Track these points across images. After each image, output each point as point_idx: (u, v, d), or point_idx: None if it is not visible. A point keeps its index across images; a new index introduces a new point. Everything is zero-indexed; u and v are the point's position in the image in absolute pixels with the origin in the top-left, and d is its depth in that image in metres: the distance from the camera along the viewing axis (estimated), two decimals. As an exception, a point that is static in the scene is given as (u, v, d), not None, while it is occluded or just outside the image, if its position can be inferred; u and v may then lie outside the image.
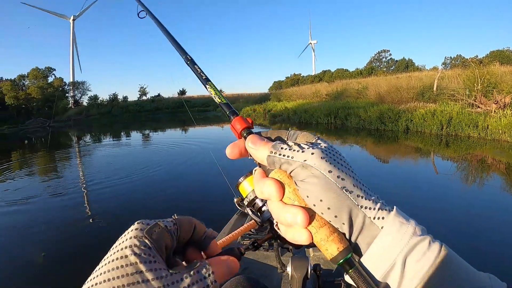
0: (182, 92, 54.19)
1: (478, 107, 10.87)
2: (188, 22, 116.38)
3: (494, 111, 9.79)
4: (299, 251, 1.51)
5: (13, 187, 6.83)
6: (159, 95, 50.66)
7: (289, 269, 1.28)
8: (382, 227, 0.34)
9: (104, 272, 0.28)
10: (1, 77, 41.92)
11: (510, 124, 8.41)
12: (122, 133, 20.18)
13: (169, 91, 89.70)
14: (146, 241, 0.30)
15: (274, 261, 1.74)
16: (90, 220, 4.54)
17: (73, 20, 48.83)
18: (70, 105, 43.11)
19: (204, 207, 4.75)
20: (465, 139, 9.11)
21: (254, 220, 0.70)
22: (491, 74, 11.34)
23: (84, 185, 6.78)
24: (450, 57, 38.45)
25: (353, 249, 0.35)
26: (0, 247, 3.85)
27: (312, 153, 0.35)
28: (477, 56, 30.86)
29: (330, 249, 0.35)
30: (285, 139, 0.41)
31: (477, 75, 11.25)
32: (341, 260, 0.35)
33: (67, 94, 44.46)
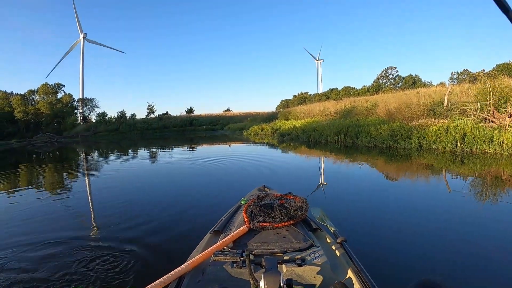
0: (190, 110, 54.58)
1: (491, 121, 10.71)
2: (200, 41, 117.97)
3: (509, 125, 9.62)
4: (271, 266, 1.50)
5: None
6: (166, 113, 51.40)
7: (262, 284, 1.33)
8: None
9: None
10: (12, 91, 42.82)
11: (527, 138, 8.24)
12: (129, 150, 20.34)
13: (177, 110, 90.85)
14: None
15: (247, 277, 1.74)
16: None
17: (84, 38, 49.95)
18: (79, 121, 43.73)
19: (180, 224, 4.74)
20: (480, 155, 8.91)
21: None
22: (502, 87, 11.20)
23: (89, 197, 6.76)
24: (457, 72, 38.47)
25: None
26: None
27: None
28: (483, 70, 30.84)
29: None
30: None
31: (489, 89, 11.12)
32: None
33: (75, 110, 45.28)
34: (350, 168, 9.57)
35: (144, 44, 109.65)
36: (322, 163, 10.78)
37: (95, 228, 4.87)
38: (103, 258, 3.58)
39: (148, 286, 1.66)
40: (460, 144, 9.83)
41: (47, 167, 13.31)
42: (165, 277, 1.77)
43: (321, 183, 7.46)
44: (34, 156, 18.70)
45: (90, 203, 6.72)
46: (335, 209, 5.30)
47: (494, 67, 30.03)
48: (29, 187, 8.69)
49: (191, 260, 1.94)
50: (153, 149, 20.27)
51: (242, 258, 1.75)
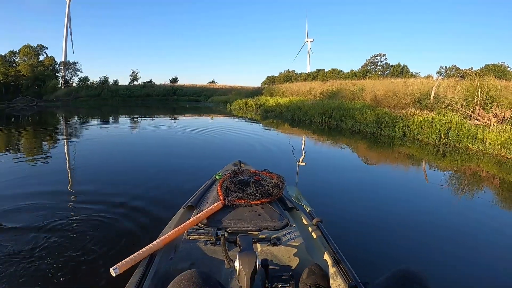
0: (174, 79, 53.47)
1: (476, 119, 10.72)
2: (183, 13, 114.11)
3: (493, 125, 9.63)
4: (246, 246, 1.41)
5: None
6: (150, 81, 50.08)
7: (237, 264, 1.29)
8: None
9: None
10: (-9, 52, 40.69)
11: (510, 140, 8.22)
12: (110, 117, 19.87)
13: (161, 78, 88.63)
14: None
15: (221, 256, 1.72)
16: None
17: None
18: (60, 85, 42.15)
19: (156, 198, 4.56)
20: (463, 151, 8.88)
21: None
22: (490, 87, 11.18)
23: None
24: (446, 67, 38.67)
25: None
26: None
27: None
28: (472, 68, 31.10)
29: None
30: None
31: (477, 87, 11.07)
32: None
33: (57, 74, 43.57)
34: (331, 150, 9.49)
35: (130, 8, 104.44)
36: (304, 142, 10.65)
37: (68, 196, 4.69)
38: (69, 233, 3.37)
39: (118, 264, 1.56)
40: (444, 138, 9.79)
41: (26, 132, 12.80)
42: (136, 254, 1.67)
43: (300, 163, 7.38)
44: (12, 119, 17.99)
45: (67, 169, 6.58)
46: (312, 189, 5.23)
47: (482, 67, 30.33)
48: (6, 152, 8.35)
49: (163, 237, 1.84)
50: (134, 117, 19.89)
51: (218, 237, 1.66)
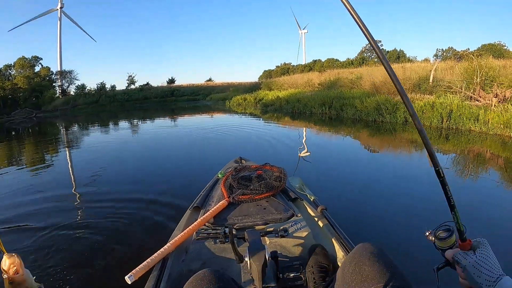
0: (171, 80, 53.30)
1: (477, 100, 10.69)
2: (181, 9, 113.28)
3: (495, 105, 9.60)
4: (255, 240, 1.47)
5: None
6: (147, 83, 49.75)
7: (247, 259, 1.33)
8: None
9: None
10: (-14, 67, 40.50)
11: (512, 119, 8.21)
12: (109, 123, 19.74)
13: (158, 80, 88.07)
14: None
15: (231, 253, 1.73)
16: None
17: (61, 8, 47.10)
18: (58, 94, 41.96)
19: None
20: (466, 133, 8.87)
21: None
22: (489, 67, 11.13)
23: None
24: (442, 49, 38.48)
25: None
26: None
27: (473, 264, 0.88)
28: (468, 49, 30.96)
29: None
30: None
31: (476, 68, 11.03)
32: None
33: (54, 84, 43.34)
34: (333, 140, 9.49)
35: (123, 12, 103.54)
36: (305, 134, 10.65)
37: (74, 208, 4.64)
38: (81, 241, 3.38)
39: (133, 271, 1.58)
40: (446, 121, 9.77)
41: (27, 143, 12.73)
42: (149, 259, 1.69)
43: (302, 154, 7.36)
44: (13, 133, 17.83)
45: (72, 177, 6.62)
46: (316, 179, 5.27)
47: (479, 47, 30.17)
48: (11, 165, 8.31)
49: (173, 240, 1.87)
50: (133, 121, 19.79)
51: (226, 235, 1.70)
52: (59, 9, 46.80)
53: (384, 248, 1.20)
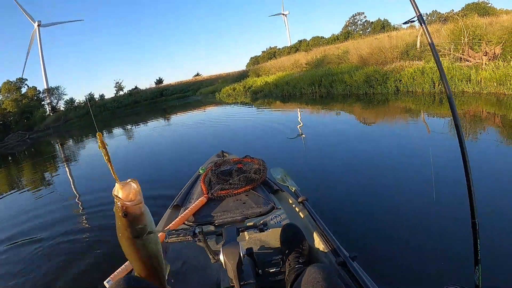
0: (159, 81, 52.81)
1: (467, 60, 10.49)
2: (161, 8, 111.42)
3: (485, 63, 9.40)
4: (230, 237, 1.42)
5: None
6: (136, 87, 49.22)
7: (221, 257, 1.29)
8: None
9: None
10: (-28, 96, 39.89)
11: (505, 76, 8.01)
12: (103, 132, 19.43)
13: (146, 82, 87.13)
14: None
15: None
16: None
17: (38, 25, 46.14)
18: (48, 112, 41.46)
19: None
20: (459, 95, 8.69)
21: None
22: (475, 26, 10.91)
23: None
24: (426, 14, 37.99)
25: None
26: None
27: None
28: (452, 10, 30.55)
29: None
30: None
31: (463, 28, 10.79)
32: None
33: (43, 102, 42.74)
34: (325, 120, 9.28)
35: (103, 16, 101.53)
36: (297, 116, 10.47)
37: (49, 217, 4.70)
38: (58, 250, 3.43)
39: (111, 276, 1.57)
40: (438, 85, 9.59)
41: (25, 166, 12.45)
42: (126, 263, 1.64)
43: (296, 136, 7.22)
44: (9, 158, 17.52)
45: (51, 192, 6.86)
46: (305, 165, 5.03)
47: (463, 7, 29.72)
48: (11, 190, 8.06)
49: None
50: (126, 127, 19.53)
51: (195, 234, 1.59)
52: (36, 27, 45.87)
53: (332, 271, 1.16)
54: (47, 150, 17.54)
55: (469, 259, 1.64)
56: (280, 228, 1.82)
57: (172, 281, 1.59)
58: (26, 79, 41.62)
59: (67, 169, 9.18)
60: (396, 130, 6.92)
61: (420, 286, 2.14)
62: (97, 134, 1.00)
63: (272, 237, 1.86)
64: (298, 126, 8.59)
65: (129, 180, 0.99)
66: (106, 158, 1.02)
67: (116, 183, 0.99)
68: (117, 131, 18.34)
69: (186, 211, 2.11)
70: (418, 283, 2.16)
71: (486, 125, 5.94)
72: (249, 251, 1.43)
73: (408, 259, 2.41)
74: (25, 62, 46.29)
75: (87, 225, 4.04)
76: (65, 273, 2.90)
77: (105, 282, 1.53)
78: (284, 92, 17.12)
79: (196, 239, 1.62)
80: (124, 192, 0.96)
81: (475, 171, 3.54)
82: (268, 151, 6.25)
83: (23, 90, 41.41)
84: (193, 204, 2.18)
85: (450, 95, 0.74)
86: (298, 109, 12.02)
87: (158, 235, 1.80)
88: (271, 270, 1.52)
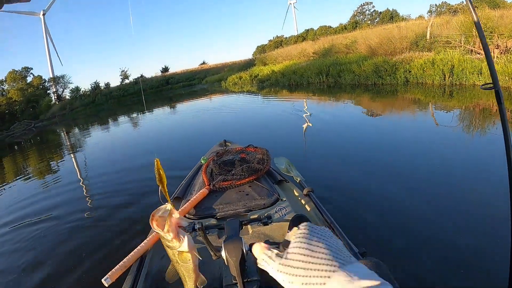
0: (165, 69, 52.56)
1: (478, 53, 10.38)
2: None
3: (497, 56, 9.30)
4: (232, 232, 1.33)
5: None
6: (141, 75, 49.04)
7: (223, 254, 1.23)
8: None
9: None
10: (-22, 86, 39.86)
11: (518, 69, 7.92)
12: (108, 121, 19.38)
13: (152, 71, 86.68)
14: None
15: (216, 245, 1.52)
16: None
17: (43, 14, 45.84)
18: (54, 101, 41.43)
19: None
20: (470, 88, 8.62)
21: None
22: (487, 18, 10.76)
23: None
24: (436, 5, 37.45)
25: None
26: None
27: (278, 270, 0.52)
28: (462, 2, 30.10)
29: None
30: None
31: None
32: None
33: (48, 91, 42.66)
34: (332, 109, 9.20)
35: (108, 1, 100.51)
36: (304, 105, 10.38)
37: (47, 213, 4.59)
38: (56, 247, 3.38)
39: (109, 273, 1.55)
40: (449, 77, 9.50)
41: (31, 155, 12.47)
42: (125, 260, 1.64)
43: (304, 127, 7.15)
44: (15, 147, 17.48)
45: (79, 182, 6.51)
46: (306, 157, 4.99)
47: (472, -2, 29.35)
48: (16, 178, 8.10)
49: (150, 236, 1.80)
50: (131, 116, 19.48)
51: (195, 230, 1.53)
52: (41, 16, 45.57)
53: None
54: (52, 139, 17.61)
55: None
56: (284, 222, 1.79)
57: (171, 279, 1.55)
58: (32, 68, 41.48)
59: (72, 158, 9.22)
60: (406, 121, 6.89)
61: (429, 285, 2.10)
62: (155, 160, 0.95)
63: (276, 231, 1.79)
64: (304, 116, 8.55)
65: (168, 207, 0.91)
66: (160, 182, 0.97)
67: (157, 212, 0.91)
68: (122, 119, 18.38)
69: (187, 204, 2.06)
70: (428, 280, 2.12)
71: (496, 119, 5.83)
72: (252, 246, 1.38)
73: (420, 254, 2.37)
74: (56, 52, 46.10)
75: (87, 221, 3.99)
76: (63, 270, 2.89)
77: (102, 280, 1.52)
78: (291, 81, 17.03)
79: (194, 234, 1.59)
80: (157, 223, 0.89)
81: (484, 165, 3.53)
82: (272, 140, 6.18)
83: (29, 79, 41.34)
84: (194, 197, 2.12)
85: (498, 89, 0.72)
86: (305, 99, 11.94)
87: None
88: None
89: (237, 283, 1.22)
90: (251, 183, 2.25)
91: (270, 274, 0.59)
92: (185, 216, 1.99)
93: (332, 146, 5.50)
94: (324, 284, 0.47)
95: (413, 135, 5.59)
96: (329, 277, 0.46)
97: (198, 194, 2.13)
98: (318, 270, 0.48)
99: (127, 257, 1.65)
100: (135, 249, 1.70)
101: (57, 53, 45.94)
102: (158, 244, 1.75)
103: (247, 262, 1.25)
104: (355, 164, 4.40)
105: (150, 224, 0.85)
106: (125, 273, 1.59)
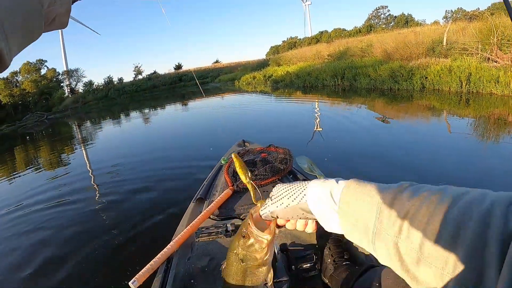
0: (178, 66, 52.84)
1: (495, 61, 10.40)
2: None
3: (515, 64, 9.33)
4: None
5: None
6: (155, 72, 49.32)
7: None
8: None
9: None
10: (-7, 76, 40.50)
11: (536, 79, 7.96)
12: (120, 116, 19.69)
13: (165, 67, 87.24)
14: None
15: None
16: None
17: None
18: (67, 94, 41.92)
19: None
20: (487, 96, 8.65)
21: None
22: (505, 26, 10.76)
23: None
24: (451, 11, 37.20)
25: None
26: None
27: (271, 204, 0.80)
28: (478, 8, 29.88)
29: None
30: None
31: (493, 27, 10.67)
32: None
33: (62, 84, 43.19)
34: (348, 112, 9.16)
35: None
36: (318, 108, 10.46)
37: (67, 211, 4.56)
38: (81, 249, 3.29)
39: (136, 276, 1.53)
40: (466, 85, 9.56)
41: (42, 146, 12.67)
42: (152, 262, 1.63)
43: (316, 129, 7.25)
44: (28, 137, 17.76)
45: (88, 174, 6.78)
46: (330, 156, 5.09)
47: (489, 6, 29.01)
48: (28, 168, 8.34)
49: (177, 237, 1.79)
50: (144, 111, 19.49)
51: (228, 232, 1.63)
52: None
53: None
54: (64, 131, 17.90)
55: None
56: None
57: (197, 279, 1.53)
58: (46, 61, 41.94)
59: (83, 151, 9.36)
60: (425, 127, 6.94)
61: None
62: (233, 154, 0.94)
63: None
64: (317, 116, 8.71)
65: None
66: (245, 178, 0.94)
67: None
68: (134, 114, 18.64)
69: (212, 204, 2.04)
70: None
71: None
72: (284, 247, 1.40)
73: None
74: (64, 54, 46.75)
75: (109, 219, 3.90)
76: (87, 272, 2.85)
77: (130, 283, 1.48)
78: (305, 83, 17.14)
79: (227, 235, 1.61)
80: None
81: (498, 176, 3.58)
82: (288, 142, 6.17)
83: (43, 71, 41.84)
84: (219, 197, 2.11)
85: None
86: (321, 101, 12.02)
87: (185, 229, 1.83)
88: (304, 265, 1.43)
89: (266, 283, 1.20)
90: (274, 183, 2.17)
91: (269, 213, 0.80)
92: (210, 217, 1.98)
93: (351, 148, 5.63)
94: (305, 189, 0.73)
95: (429, 139, 5.70)
96: (305, 187, 0.73)
97: (222, 195, 2.13)
98: (297, 187, 0.75)
99: (154, 259, 1.64)
100: (162, 251, 1.69)
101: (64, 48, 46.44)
102: (185, 245, 1.77)
103: (277, 262, 1.24)
104: (372, 167, 4.52)
105: (247, 227, 0.84)
106: (152, 275, 1.57)
